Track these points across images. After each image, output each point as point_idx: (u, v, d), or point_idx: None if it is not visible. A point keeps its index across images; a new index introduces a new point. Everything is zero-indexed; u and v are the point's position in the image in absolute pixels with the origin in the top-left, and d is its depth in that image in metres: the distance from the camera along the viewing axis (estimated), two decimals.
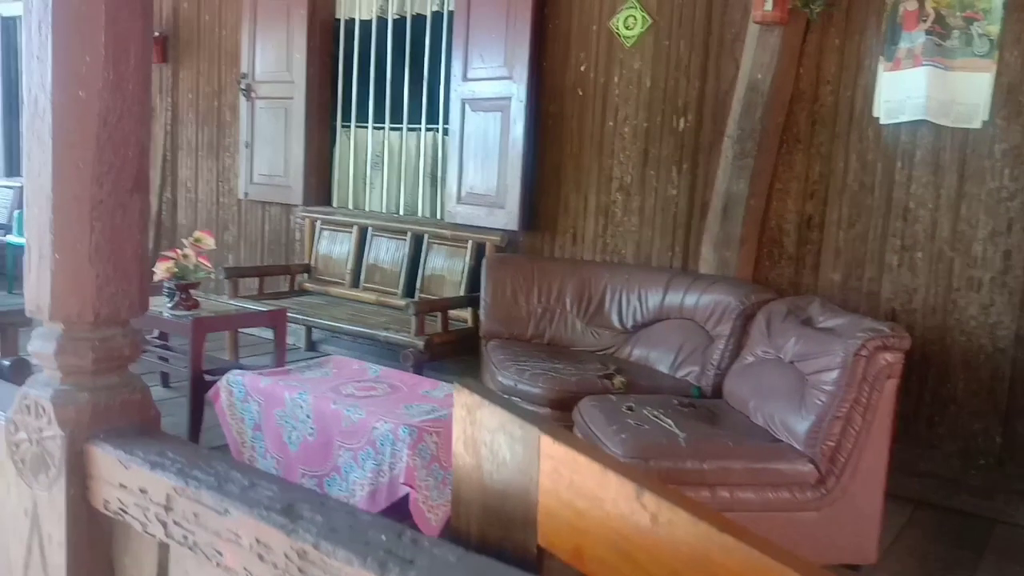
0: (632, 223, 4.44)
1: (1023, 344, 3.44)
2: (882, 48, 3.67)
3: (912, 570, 3.01)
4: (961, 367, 3.57)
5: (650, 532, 0.85)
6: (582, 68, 4.54)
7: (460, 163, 4.94)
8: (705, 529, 0.81)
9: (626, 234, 4.47)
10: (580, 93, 4.56)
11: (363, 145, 5.73)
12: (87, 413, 1.34)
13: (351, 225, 5.51)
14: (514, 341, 4.17)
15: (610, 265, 4.42)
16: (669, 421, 2.89)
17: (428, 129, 5.37)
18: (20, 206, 6.94)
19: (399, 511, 2.62)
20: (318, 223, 5.69)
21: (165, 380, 4.55)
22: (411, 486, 2.52)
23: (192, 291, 3.98)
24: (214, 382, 3.29)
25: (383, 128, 5.61)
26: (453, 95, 4.97)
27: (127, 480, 1.26)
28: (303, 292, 5.55)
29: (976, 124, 3.48)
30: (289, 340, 4.99)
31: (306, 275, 5.66)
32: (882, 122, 3.69)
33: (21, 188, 6.52)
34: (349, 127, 5.78)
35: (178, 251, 3.94)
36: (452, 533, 1.11)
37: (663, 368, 3.84)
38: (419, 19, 5.32)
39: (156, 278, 3.94)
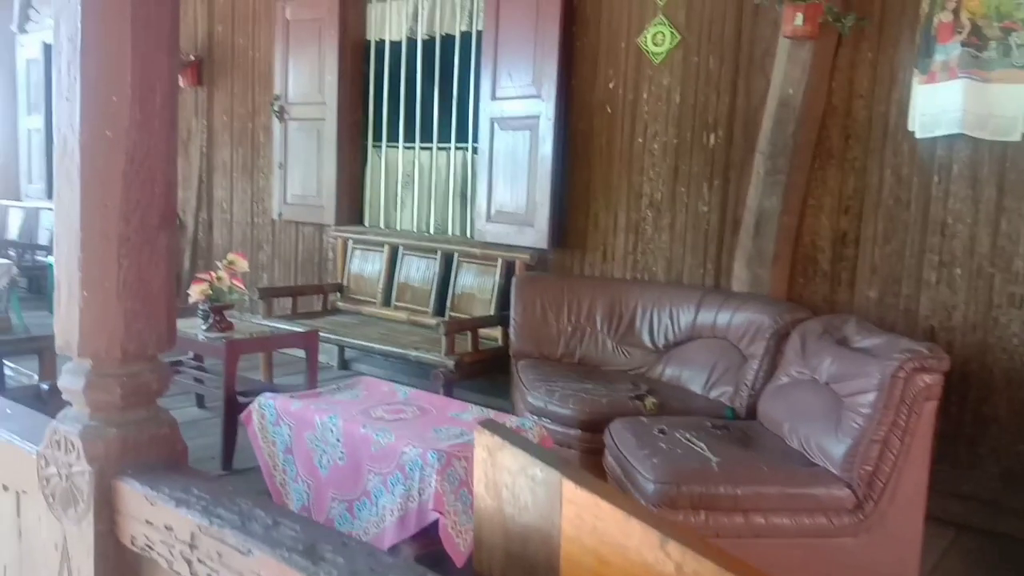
0: (663, 240, 4.41)
1: None
2: (916, 61, 3.61)
3: None
4: (1003, 386, 3.47)
5: None
6: (611, 85, 4.53)
7: (489, 181, 4.95)
8: None
9: (657, 251, 4.43)
10: (609, 110, 4.55)
11: (394, 164, 5.77)
12: (115, 448, 1.35)
13: (382, 244, 5.55)
14: (544, 360, 4.15)
15: (641, 283, 4.39)
16: (702, 444, 2.84)
17: (458, 148, 5.39)
18: None
19: (429, 536, 2.61)
20: (350, 242, 5.74)
21: (200, 401, 4.60)
22: (440, 512, 2.51)
23: (226, 312, 4.03)
24: (248, 403, 3.31)
25: (413, 147, 5.65)
26: (482, 114, 4.99)
27: (153, 517, 1.27)
28: (336, 311, 5.59)
29: (1015, 137, 3.39)
30: (322, 359, 5.04)
31: (339, 294, 5.70)
32: (917, 136, 3.62)
33: None
34: (380, 146, 5.82)
35: (212, 273, 3.99)
36: None
37: (696, 388, 3.79)
38: (448, 39, 5.35)
39: (191, 300, 4.01)
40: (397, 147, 5.73)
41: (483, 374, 4.54)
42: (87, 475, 1.33)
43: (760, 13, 3.98)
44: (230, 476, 3.68)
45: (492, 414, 3.03)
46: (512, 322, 4.30)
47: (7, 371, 4.08)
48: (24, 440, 1.54)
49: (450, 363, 4.27)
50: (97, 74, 1.32)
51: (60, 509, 1.39)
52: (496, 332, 4.71)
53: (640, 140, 4.45)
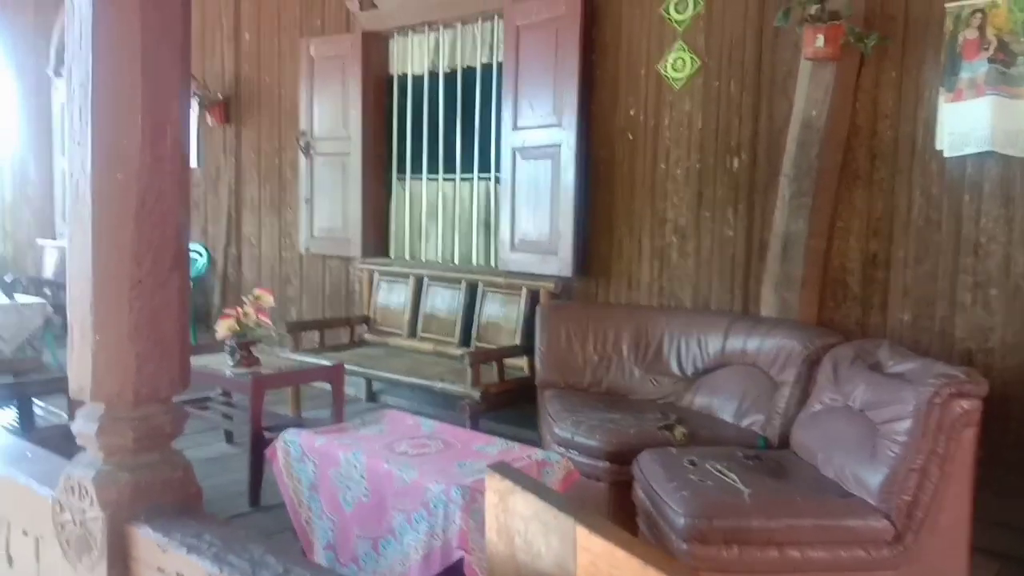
0: (688, 266, 4.35)
1: None
2: (942, 79, 3.55)
3: None
4: None
5: None
6: (631, 112, 4.51)
7: (512, 211, 4.94)
8: None
9: (683, 277, 4.38)
10: (630, 137, 4.53)
11: (418, 196, 5.79)
12: (128, 493, 1.34)
13: (407, 275, 5.56)
14: (571, 390, 4.10)
15: (667, 310, 4.33)
16: (733, 476, 2.77)
17: (481, 178, 5.40)
18: None
19: (454, 573, 2.56)
20: (376, 274, 5.75)
21: (229, 437, 4.61)
22: (465, 549, 2.46)
23: (253, 347, 4.04)
24: (274, 439, 3.30)
25: (437, 179, 5.67)
26: (504, 144, 4.99)
27: (165, 564, 1.25)
28: (363, 343, 5.59)
29: None
30: (350, 391, 5.02)
31: (366, 326, 5.70)
32: (946, 155, 3.55)
33: None
34: (404, 179, 5.85)
35: (239, 309, 4.01)
36: None
37: (727, 417, 3.71)
38: (469, 72, 5.39)
39: (218, 336, 4.02)
40: (421, 179, 5.76)
41: (510, 404, 4.49)
42: (100, 521, 1.32)
43: (780, 36, 3.95)
44: (257, 513, 3.66)
45: (517, 447, 2.99)
46: (538, 351, 4.26)
47: (37, 410, 4.12)
48: (42, 484, 1.54)
49: (476, 394, 4.23)
50: (108, 118, 1.33)
51: (75, 556, 1.37)
52: (522, 362, 4.67)
53: (663, 166, 4.42)
